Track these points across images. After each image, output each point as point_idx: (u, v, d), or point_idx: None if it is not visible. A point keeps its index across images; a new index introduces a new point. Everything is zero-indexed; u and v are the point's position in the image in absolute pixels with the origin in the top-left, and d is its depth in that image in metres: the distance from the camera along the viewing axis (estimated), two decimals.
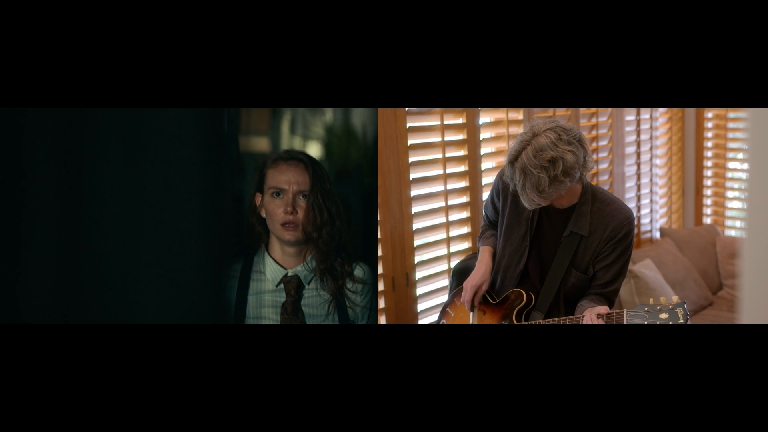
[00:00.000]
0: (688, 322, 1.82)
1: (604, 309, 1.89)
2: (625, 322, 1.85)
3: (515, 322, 2.07)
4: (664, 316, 1.82)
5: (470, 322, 2.17)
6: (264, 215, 1.95)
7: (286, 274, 1.94)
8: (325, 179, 1.95)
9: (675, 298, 1.84)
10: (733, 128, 4.32)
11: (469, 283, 2.15)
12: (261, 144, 2.53)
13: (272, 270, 1.94)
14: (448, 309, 2.31)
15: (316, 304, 1.94)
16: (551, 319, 2.00)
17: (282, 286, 1.93)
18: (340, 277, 1.94)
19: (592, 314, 1.88)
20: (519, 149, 1.90)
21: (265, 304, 1.93)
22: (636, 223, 4.02)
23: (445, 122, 2.72)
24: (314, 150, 2.34)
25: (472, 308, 2.16)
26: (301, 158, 1.95)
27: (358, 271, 1.96)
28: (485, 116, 2.98)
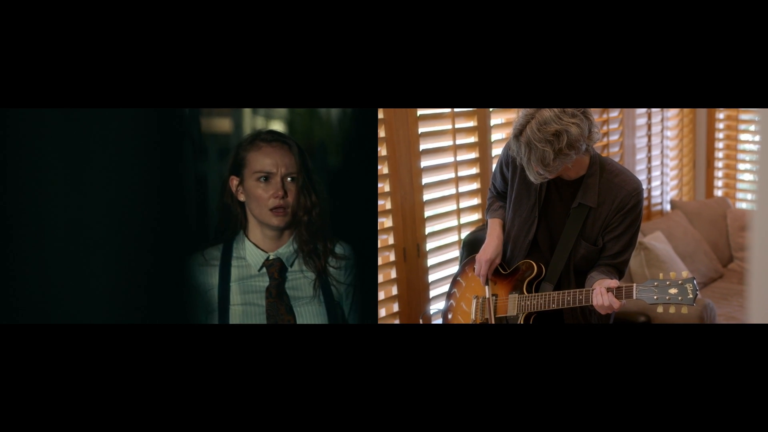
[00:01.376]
0: (698, 296, 1.82)
1: (613, 282, 1.89)
2: (634, 297, 1.85)
3: (526, 293, 2.08)
4: (673, 291, 1.83)
5: (485, 294, 2.18)
6: (242, 199, 1.89)
7: (268, 257, 1.89)
8: (308, 159, 1.90)
9: (685, 274, 1.84)
10: None
11: (483, 258, 2.16)
12: (223, 124, 2.49)
13: (253, 255, 1.89)
14: (459, 278, 2.32)
15: (300, 286, 1.90)
16: (561, 291, 2.01)
17: (264, 270, 1.89)
18: (323, 254, 1.90)
19: (601, 287, 1.88)
20: (523, 123, 1.89)
21: (249, 290, 1.89)
22: (645, 194, 4.03)
23: None
24: (277, 128, 2.31)
25: (486, 282, 2.17)
26: (284, 140, 1.89)
27: (339, 249, 1.93)
28: None
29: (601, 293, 1.87)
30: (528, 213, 2.10)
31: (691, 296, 1.81)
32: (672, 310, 1.83)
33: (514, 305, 2.09)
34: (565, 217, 2.05)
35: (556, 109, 1.86)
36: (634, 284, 1.87)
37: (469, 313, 2.22)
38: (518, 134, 1.90)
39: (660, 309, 1.84)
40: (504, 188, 2.23)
